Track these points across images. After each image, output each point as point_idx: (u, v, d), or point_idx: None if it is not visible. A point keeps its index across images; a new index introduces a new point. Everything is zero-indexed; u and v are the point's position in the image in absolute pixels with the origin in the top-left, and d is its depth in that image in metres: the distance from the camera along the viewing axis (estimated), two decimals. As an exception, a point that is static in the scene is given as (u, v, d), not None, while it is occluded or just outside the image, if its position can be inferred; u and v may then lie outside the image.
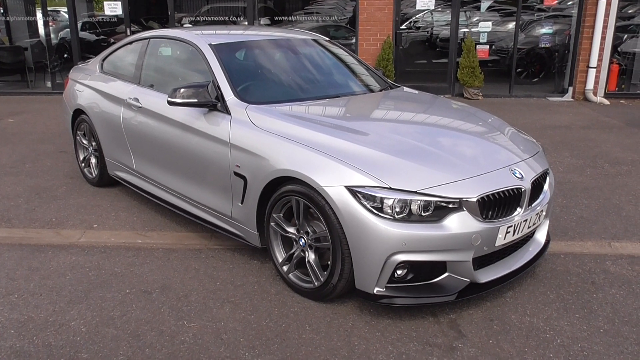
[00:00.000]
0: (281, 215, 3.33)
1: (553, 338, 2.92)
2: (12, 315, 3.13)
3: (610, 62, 9.98)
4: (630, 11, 10.75)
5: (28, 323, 3.05)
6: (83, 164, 5.38)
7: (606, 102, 9.84)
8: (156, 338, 2.92)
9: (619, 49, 10.42)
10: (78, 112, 5.23)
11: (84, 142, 5.28)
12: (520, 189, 3.12)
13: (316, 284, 3.18)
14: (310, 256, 3.22)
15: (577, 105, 9.61)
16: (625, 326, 3.02)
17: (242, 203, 3.50)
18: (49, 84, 11.10)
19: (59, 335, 2.94)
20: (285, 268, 3.39)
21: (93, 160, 5.22)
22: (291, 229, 3.31)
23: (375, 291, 2.95)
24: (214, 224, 3.83)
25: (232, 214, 3.62)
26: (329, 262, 3.08)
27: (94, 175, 5.23)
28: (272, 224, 3.38)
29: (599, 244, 4.05)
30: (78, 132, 5.33)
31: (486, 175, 3.07)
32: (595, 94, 9.97)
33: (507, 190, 3.06)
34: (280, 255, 3.43)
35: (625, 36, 10.57)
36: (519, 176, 3.16)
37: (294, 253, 3.33)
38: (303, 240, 3.24)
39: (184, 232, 4.25)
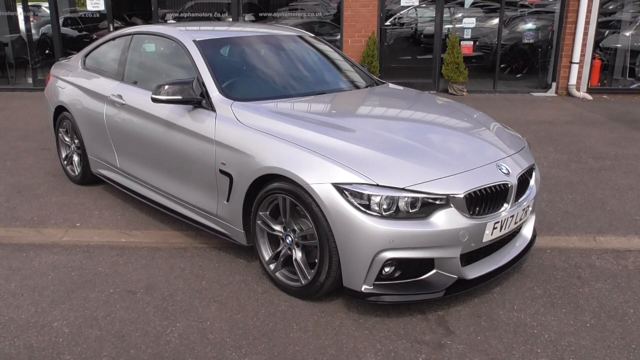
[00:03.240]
0: (267, 213, 3.30)
1: (540, 333, 2.93)
2: (-7, 317, 3.07)
3: (593, 58, 10.07)
4: (611, 7, 10.85)
5: (9, 324, 2.99)
6: (65, 162, 5.30)
7: (589, 97, 9.93)
8: (141, 339, 2.88)
9: (600, 44, 10.52)
10: (60, 109, 5.15)
11: (67, 139, 5.20)
12: (507, 184, 3.12)
13: (303, 282, 3.16)
14: (297, 254, 3.19)
15: (561, 101, 9.68)
16: (611, 320, 3.04)
17: (227, 201, 3.46)
18: (30, 80, 10.93)
19: (41, 336, 2.89)
20: (272, 266, 3.36)
21: (76, 158, 5.14)
22: (278, 227, 3.28)
23: (363, 289, 2.94)
24: (199, 222, 3.79)
25: (218, 212, 3.58)
26: (316, 260, 3.06)
27: (76, 173, 5.16)
28: (258, 222, 3.35)
29: (584, 238, 4.08)
30: (60, 129, 5.24)
31: (473, 171, 3.07)
32: (578, 89, 10.06)
33: (494, 186, 3.06)
34: (266, 254, 3.40)
35: (607, 32, 10.67)
36: (506, 172, 3.16)
37: (280, 251, 3.30)
38: (290, 238, 3.22)
39: (168, 230, 4.20)
